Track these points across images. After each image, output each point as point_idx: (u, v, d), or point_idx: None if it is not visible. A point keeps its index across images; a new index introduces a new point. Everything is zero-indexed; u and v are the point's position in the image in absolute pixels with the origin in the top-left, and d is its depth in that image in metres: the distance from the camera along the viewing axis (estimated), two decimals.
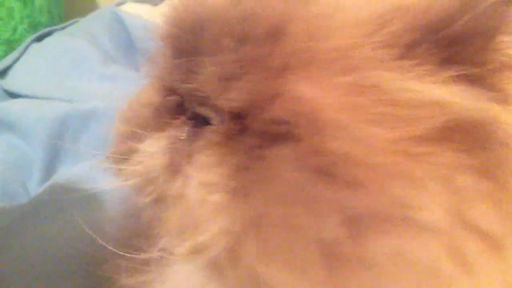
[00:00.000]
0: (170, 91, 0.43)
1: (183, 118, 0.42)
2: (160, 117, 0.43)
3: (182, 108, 0.42)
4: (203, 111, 0.39)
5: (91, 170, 0.79)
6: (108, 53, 1.25)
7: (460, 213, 0.32)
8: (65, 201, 0.71)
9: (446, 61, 0.33)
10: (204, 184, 0.37)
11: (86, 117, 0.95)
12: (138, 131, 0.43)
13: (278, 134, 0.34)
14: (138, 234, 0.47)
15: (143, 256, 0.44)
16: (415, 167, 0.32)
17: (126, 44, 1.30)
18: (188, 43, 0.39)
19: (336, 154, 0.32)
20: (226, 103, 0.37)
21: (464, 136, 0.32)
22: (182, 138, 0.40)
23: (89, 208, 0.68)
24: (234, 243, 0.34)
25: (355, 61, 0.33)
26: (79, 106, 0.98)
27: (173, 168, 0.39)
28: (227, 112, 0.37)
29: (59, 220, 0.69)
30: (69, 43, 1.27)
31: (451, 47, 0.33)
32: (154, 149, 0.41)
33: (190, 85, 0.39)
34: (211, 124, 0.39)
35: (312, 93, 0.33)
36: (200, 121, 0.40)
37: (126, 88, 1.07)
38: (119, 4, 1.47)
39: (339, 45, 0.33)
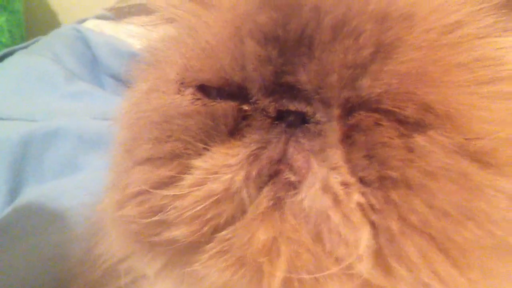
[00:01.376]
0: (229, 96, 0.36)
1: (261, 120, 0.34)
2: (218, 125, 0.36)
3: (253, 108, 0.35)
4: (302, 107, 0.33)
5: (56, 190, 0.78)
6: (71, 70, 1.24)
7: None
8: (31, 222, 0.70)
9: None
10: (335, 185, 0.32)
11: (50, 136, 0.94)
12: (187, 147, 0.36)
13: (422, 122, 0.32)
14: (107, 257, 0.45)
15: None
16: None
17: (90, 62, 1.29)
18: (293, 27, 0.33)
19: (486, 135, 0.32)
20: (354, 94, 0.33)
21: None
22: (273, 142, 0.34)
23: (55, 228, 0.67)
24: (394, 243, 0.31)
25: (472, 34, 0.34)
26: (42, 125, 0.96)
27: (263, 179, 0.33)
28: (342, 106, 0.33)
29: (25, 242, 0.68)
30: (31, 62, 1.25)
31: None
32: (232, 160, 0.34)
33: (292, 78, 0.33)
34: (309, 123, 0.34)
35: (451, 73, 0.33)
36: (292, 120, 0.34)
37: (92, 106, 1.07)
38: (81, 22, 1.46)
39: (458, 20, 0.34)
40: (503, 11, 0.35)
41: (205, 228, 0.34)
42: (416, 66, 0.32)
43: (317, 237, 0.32)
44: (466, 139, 0.32)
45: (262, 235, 0.32)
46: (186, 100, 0.38)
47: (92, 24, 1.43)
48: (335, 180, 0.32)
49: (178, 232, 0.35)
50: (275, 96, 0.34)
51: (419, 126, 0.32)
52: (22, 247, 0.67)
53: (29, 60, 1.26)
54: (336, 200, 0.32)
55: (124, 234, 0.41)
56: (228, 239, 0.34)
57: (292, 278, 0.32)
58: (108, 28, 1.41)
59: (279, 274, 0.32)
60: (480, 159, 0.32)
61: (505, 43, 0.35)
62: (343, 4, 0.33)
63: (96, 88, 1.22)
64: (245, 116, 0.35)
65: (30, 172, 0.90)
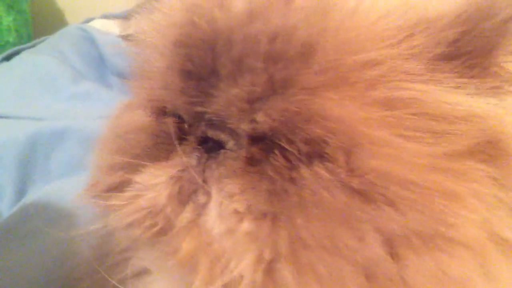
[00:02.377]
0: (169, 114, 0.40)
1: (189, 143, 0.39)
2: (160, 144, 0.40)
3: (184, 133, 0.39)
4: (217, 135, 0.37)
5: (62, 189, 0.78)
6: (78, 70, 1.24)
7: (490, 226, 0.32)
8: (37, 221, 0.70)
9: (469, 73, 0.33)
10: (229, 213, 0.35)
11: (57, 135, 0.94)
12: (132, 160, 0.40)
13: (312, 155, 0.33)
14: (114, 253, 0.46)
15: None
16: (454, 183, 0.32)
17: (96, 62, 1.30)
18: (201, 63, 0.36)
19: (374, 173, 0.32)
20: (249, 126, 0.35)
21: (495, 149, 0.33)
22: (193, 165, 0.37)
23: (61, 228, 0.67)
24: (269, 271, 0.33)
25: (386, 74, 0.33)
26: (49, 124, 0.97)
27: (183, 198, 0.37)
28: (247, 136, 0.36)
29: (33, 241, 0.68)
30: (38, 61, 1.25)
31: (471, 59, 0.33)
32: (158, 179, 0.38)
33: (203, 108, 0.37)
34: (225, 149, 0.37)
35: (346, 109, 0.33)
36: (211, 146, 0.37)
37: (98, 107, 1.07)
38: (87, 21, 1.47)
39: (369, 57, 0.33)
40: (433, 61, 0.34)
41: (147, 233, 0.38)
42: (306, 105, 0.33)
43: (220, 254, 0.35)
44: (350, 175, 0.32)
45: (186, 247, 0.36)
46: (145, 114, 0.43)
47: (98, 24, 1.44)
48: (227, 208, 0.35)
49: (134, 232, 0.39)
50: (200, 122, 0.38)
51: (308, 159, 0.33)
52: (30, 246, 0.67)
53: (36, 60, 1.27)
54: (229, 228, 0.34)
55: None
56: (162, 245, 0.38)
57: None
58: (115, 28, 1.42)
59: (198, 283, 0.35)
60: (362, 196, 0.32)
61: (426, 89, 0.33)
62: (243, 42, 0.34)
63: (102, 88, 1.22)
64: (181, 136, 0.39)
65: (37, 172, 0.90)
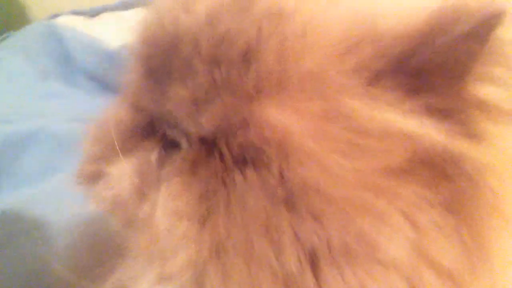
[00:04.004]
0: (140, 110, 0.42)
1: (153, 139, 0.40)
2: (131, 137, 0.42)
3: (152, 129, 0.41)
4: (173, 134, 0.38)
5: (34, 198, 0.75)
6: (44, 69, 1.20)
7: (421, 249, 0.32)
8: (11, 231, 0.67)
9: (415, 91, 0.32)
10: (171, 211, 0.36)
11: (26, 139, 0.90)
12: (107, 152, 0.42)
13: (246, 160, 0.34)
14: (98, 261, 0.45)
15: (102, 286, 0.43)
16: (379, 201, 0.31)
17: (63, 60, 1.25)
18: (160, 63, 0.38)
19: (300, 183, 0.32)
20: (195, 128, 0.36)
21: (430, 170, 0.32)
22: (152, 161, 0.39)
23: (37, 237, 0.65)
24: (199, 272, 0.34)
25: (325, 86, 0.32)
26: (17, 128, 0.92)
27: (142, 193, 0.38)
28: (196, 137, 0.37)
29: (6, 252, 0.65)
30: (1, 59, 1.20)
31: (420, 78, 0.31)
32: (123, 172, 0.40)
33: (161, 108, 0.38)
34: (180, 148, 0.38)
35: (282, 118, 0.32)
36: (170, 144, 0.39)
37: (67, 107, 1.04)
38: (53, 17, 1.42)
39: (310, 68, 0.32)
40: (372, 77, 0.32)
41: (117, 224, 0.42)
42: (243, 110, 0.34)
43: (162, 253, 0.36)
44: (280, 184, 0.32)
45: (142, 239, 0.37)
46: (123, 109, 0.44)
47: (65, 20, 1.39)
48: (170, 207, 0.36)
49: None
50: (162, 120, 0.39)
51: (243, 165, 0.34)
52: (5, 255, 0.64)
53: (1, 57, 1.22)
54: (170, 226, 0.35)
55: None
56: (127, 237, 0.40)
57: None
58: (82, 25, 1.37)
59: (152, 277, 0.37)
60: (287, 205, 0.32)
61: (360, 105, 0.32)
62: (191, 45, 0.35)
63: (69, 88, 1.18)
64: (149, 130, 0.41)
65: (5, 177, 0.86)
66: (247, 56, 0.34)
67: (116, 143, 0.41)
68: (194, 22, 0.36)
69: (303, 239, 0.31)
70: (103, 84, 1.18)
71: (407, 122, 0.31)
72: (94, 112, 0.49)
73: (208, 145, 0.36)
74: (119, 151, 0.41)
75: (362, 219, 0.31)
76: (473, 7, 0.29)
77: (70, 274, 0.50)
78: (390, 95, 0.32)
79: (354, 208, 0.31)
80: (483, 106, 0.32)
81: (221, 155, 0.35)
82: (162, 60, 0.37)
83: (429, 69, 0.31)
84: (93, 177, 0.42)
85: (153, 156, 0.40)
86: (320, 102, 0.32)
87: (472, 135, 0.32)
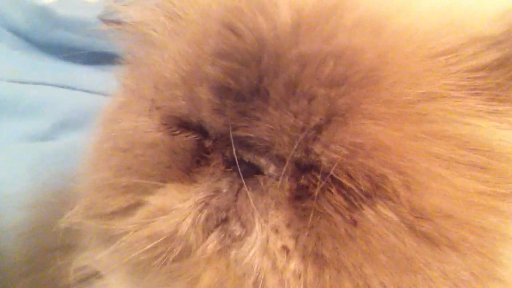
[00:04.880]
0: (191, 129, 0.36)
1: (215, 165, 0.35)
2: (178, 162, 0.36)
3: (206, 151, 0.36)
4: (256, 159, 0.33)
5: None
6: None
7: None
8: None
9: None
10: (275, 249, 0.32)
11: None
12: (144, 181, 0.36)
13: (372, 193, 0.31)
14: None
15: None
16: (506, 226, 0.31)
17: None
18: (246, 81, 0.32)
19: (438, 214, 0.30)
20: (304, 156, 0.32)
21: None
22: (224, 191, 0.34)
23: None
24: None
25: (445, 107, 0.31)
26: None
27: (209, 226, 0.34)
28: (294, 165, 0.32)
29: None
30: None
31: None
32: (182, 204, 0.35)
33: (243, 133, 0.33)
34: (263, 175, 0.33)
35: (407, 144, 0.30)
36: (245, 171, 0.33)
37: None
38: None
39: (430, 90, 0.31)
40: (495, 91, 0.32)
41: (155, 261, 0.35)
42: (371, 138, 0.31)
43: None
44: (415, 217, 0.31)
45: (207, 277, 0.33)
46: (153, 124, 0.38)
47: None
48: (274, 244, 0.32)
49: (132, 259, 0.36)
50: (229, 142, 0.33)
51: (370, 198, 0.31)
52: None
53: None
54: (274, 265, 0.32)
55: (88, 233, 0.43)
56: (177, 272, 0.35)
57: None
58: None
59: None
60: (428, 239, 0.31)
61: (484, 124, 0.32)
62: (298, 63, 0.31)
63: None
64: (203, 154, 0.36)
65: None
66: (371, 77, 0.30)
67: (154, 170, 0.36)
68: (281, 32, 0.31)
69: (448, 272, 0.30)
70: (32, 41, 1.08)
71: None
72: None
73: (314, 175, 0.32)
74: (161, 179, 0.36)
75: (494, 244, 0.31)
76: None
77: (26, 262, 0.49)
78: (506, 111, 0.32)
79: (486, 233, 0.31)
80: None
81: (340, 187, 0.31)
82: (248, 78, 0.32)
83: None
84: (121, 212, 0.37)
85: (223, 185, 0.34)
86: (441, 124, 0.31)
87: None
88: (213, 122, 0.34)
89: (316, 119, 0.31)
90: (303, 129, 0.31)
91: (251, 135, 0.32)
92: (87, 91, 0.81)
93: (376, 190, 0.31)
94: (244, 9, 0.33)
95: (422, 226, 0.30)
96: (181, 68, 0.35)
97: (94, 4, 0.96)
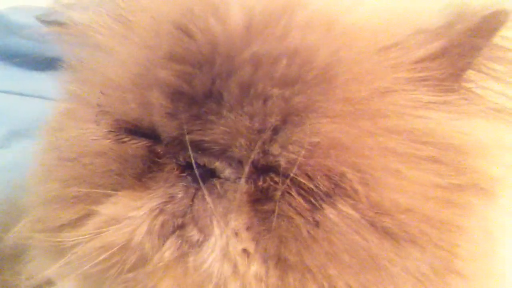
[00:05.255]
0: (140, 135, 0.35)
1: (169, 170, 0.34)
2: (129, 169, 0.35)
3: (158, 156, 0.35)
4: (211, 162, 0.32)
5: None
6: None
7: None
8: None
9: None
10: (236, 253, 0.31)
11: None
12: (94, 191, 0.35)
13: (332, 192, 0.30)
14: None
15: None
16: (462, 218, 0.32)
17: None
18: (199, 84, 0.31)
19: (396, 209, 0.31)
20: (262, 158, 0.31)
21: (482, 184, 0.34)
22: (179, 197, 0.33)
23: None
24: None
25: (400, 102, 0.31)
26: None
27: (165, 233, 0.33)
28: (252, 167, 0.32)
29: None
30: None
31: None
32: (135, 212, 0.33)
33: (197, 136, 0.32)
34: (219, 178, 0.33)
35: (363, 141, 0.31)
36: (201, 174, 0.32)
37: None
38: None
39: (383, 86, 0.31)
40: (443, 81, 0.33)
41: (110, 272, 0.34)
42: (328, 136, 0.31)
43: None
44: (376, 213, 0.31)
45: (165, 286, 0.32)
46: (100, 131, 0.37)
47: None
48: (234, 248, 0.32)
49: (85, 270, 0.35)
50: (182, 146, 0.33)
51: (329, 197, 0.31)
52: None
53: None
54: (235, 269, 0.31)
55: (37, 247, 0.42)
56: (133, 282, 0.34)
57: None
58: None
59: None
60: (389, 235, 0.31)
61: (436, 115, 0.33)
62: (251, 63, 0.30)
63: None
64: (155, 160, 0.35)
65: None
66: (326, 76, 0.30)
67: (104, 178, 0.35)
68: (233, 34, 0.31)
69: (409, 267, 0.31)
70: None
71: (481, 133, 0.33)
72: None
73: (271, 177, 0.32)
74: (111, 187, 0.35)
75: (451, 236, 0.32)
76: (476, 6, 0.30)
77: None
78: (457, 101, 0.33)
79: (443, 226, 0.31)
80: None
81: (298, 188, 0.31)
82: (201, 81, 0.31)
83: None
84: (71, 223, 0.36)
85: (178, 190, 0.33)
86: (396, 119, 0.31)
87: None
88: (166, 126, 0.33)
89: (272, 120, 0.30)
90: (259, 131, 0.31)
91: (206, 138, 0.31)
92: (42, 97, 0.79)
93: (336, 189, 0.30)
94: (195, 10, 0.32)
95: (383, 222, 0.30)
96: (131, 72, 0.34)
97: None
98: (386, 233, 0.30)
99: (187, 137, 0.31)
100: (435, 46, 0.32)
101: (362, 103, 0.31)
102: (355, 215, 0.30)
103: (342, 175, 0.30)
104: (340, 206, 0.30)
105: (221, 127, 0.31)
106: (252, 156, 0.31)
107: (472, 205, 0.33)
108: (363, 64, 0.31)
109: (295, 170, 0.30)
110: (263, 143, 0.31)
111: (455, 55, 0.32)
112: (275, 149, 0.31)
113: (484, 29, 0.31)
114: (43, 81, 0.80)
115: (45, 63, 0.79)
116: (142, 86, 0.33)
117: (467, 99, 0.33)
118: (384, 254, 0.30)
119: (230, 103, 0.31)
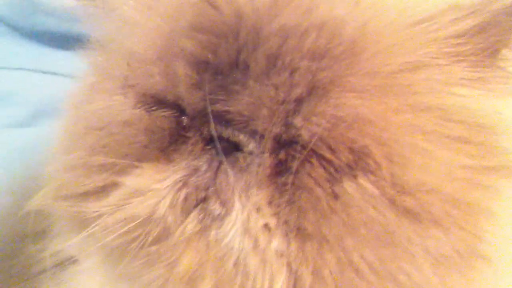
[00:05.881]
0: (167, 106, 0.35)
1: (194, 143, 0.34)
2: (155, 141, 0.35)
3: (184, 129, 0.34)
4: (235, 136, 0.32)
5: None
6: None
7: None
8: None
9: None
10: (257, 228, 0.31)
11: None
12: (120, 161, 0.35)
13: (354, 166, 0.30)
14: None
15: None
16: (490, 201, 0.32)
17: None
18: (225, 54, 0.31)
19: (421, 189, 0.30)
20: (284, 131, 0.31)
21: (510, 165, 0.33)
22: (203, 170, 0.33)
23: None
24: None
25: (432, 77, 0.31)
26: None
27: (188, 206, 0.33)
28: (274, 140, 0.32)
29: None
30: None
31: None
32: (159, 184, 0.33)
33: (222, 107, 0.32)
34: (242, 152, 0.32)
35: (390, 116, 0.30)
36: (224, 148, 0.32)
37: None
38: None
39: (414, 59, 0.31)
40: (477, 58, 0.32)
41: (132, 245, 0.34)
42: (352, 111, 0.30)
43: (238, 272, 0.31)
44: (397, 191, 0.30)
45: (187, 259, 0.32)
46: (128, 102, 0.36)
47: None
48: (255, 223, 0.31)
49: (108, 243, 0.35)
50: (207, 119, 0.32)
51: (351, 170, 0.31)
52: None
53: None
54: (256, 244, 0.31)
55: (60, 218, 0.42)
56: (155, 255, 0.34)
57: None
58: None
59: None
60: (410, 214, 0.30)
61: (469, 93, 0.32)
62: (279, 35, 0.30)
63: None
64: (181, 133, 0.34)
65: None
66: (354, 49, 0.30)
67: (131, 149, 0.35)
68: (259, 4, 0.31)
69: (430, 247, 0.30)
70: (13, 26, 1.05)
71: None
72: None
73: (295, 149, 0.31)
74: (138, 159, 0.35)
75: (477, 219, 0.31)
76: None
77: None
78: (494, 79, 0.32)
79: (470, 209, 0.31)
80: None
81: (321, 161, 0.31)
82: (227, 51, 0.31)
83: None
84: (95, 193, 0.36)
85: (202, 163, 0.33)
86: (428, 95, 0.31)
87: None
88: (191, 97, 0.33)
89: (297, 92, 0.30)
90: (283, 102, 0.30)
91: (230, 109, 0.31)
92: (68, 76, 0.80)
93: (358, 162, 0.30)
94: None
95: (404, 201, 0.30)
96: (156, 44, 0.34)
97: None
98: (407, 212, 0.30)
99: (209, 108, 0.31)
100: (470, 22, 0.31)
101: (391, 77, 0.30)
102: (375, 191, 0.30)
103: (366, 147, 0.30)
104: (360, 180, 0.30)
105: (246, 98, 0.31)
106: (274, 129, 0.31)
107: (501, 188, 0.32)
108: (392, 38, 0.31)
109: (316, 142, 0.30)
110: (287, 114, 0.31)
111: (491, 33, 0.31)
112: (298, 121, 0.30)
113: None
114: (70, 60, 0.81)
115: (72, 41, 0.81)
116: (167, 58, 0.33)
117: (501, 78, 0.32)
118: (402, 232, 0.30)
119: (256, 73, 0.30)
